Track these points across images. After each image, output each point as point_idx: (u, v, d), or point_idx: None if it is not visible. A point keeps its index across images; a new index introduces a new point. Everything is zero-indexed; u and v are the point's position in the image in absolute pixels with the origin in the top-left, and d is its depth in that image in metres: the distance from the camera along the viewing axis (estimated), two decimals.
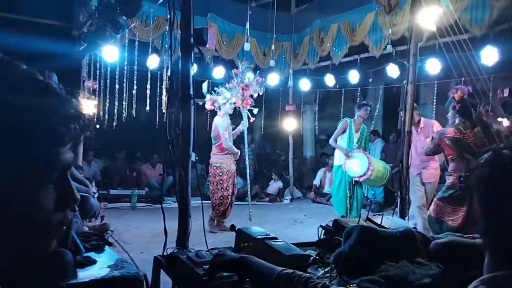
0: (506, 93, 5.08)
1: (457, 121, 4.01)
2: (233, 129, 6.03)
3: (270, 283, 1.02)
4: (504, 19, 5.64)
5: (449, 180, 3.85)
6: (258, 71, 6.23)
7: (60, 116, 0.62)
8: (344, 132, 5.98)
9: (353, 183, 5.91)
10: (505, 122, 5.10)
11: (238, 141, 6.24)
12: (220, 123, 5.72)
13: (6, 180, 0.57)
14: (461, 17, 5.56)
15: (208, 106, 5.82)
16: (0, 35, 5.15)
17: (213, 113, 6.17)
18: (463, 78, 5.92)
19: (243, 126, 5.98)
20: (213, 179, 5.73)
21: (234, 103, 5.83)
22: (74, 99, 0.65)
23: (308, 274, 1.02)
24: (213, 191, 5.73)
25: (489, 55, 5.48)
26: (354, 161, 5.73)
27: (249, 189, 6.28)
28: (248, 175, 6.41)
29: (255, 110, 6.10)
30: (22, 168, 0.58)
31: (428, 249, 1.79)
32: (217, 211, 5.72)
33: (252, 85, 5.86)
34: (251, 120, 6.11)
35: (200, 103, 5.40)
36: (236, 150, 5.83)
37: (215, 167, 5.72)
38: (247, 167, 6.35)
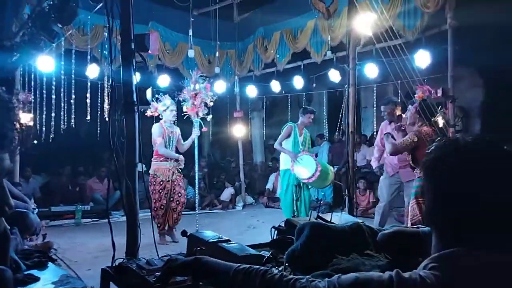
0: (439, 93, 5.43)
1: (418, 121, 4.11)
2: (183, 136, 5.96)
3: (227, 280, 1.00)
4: (434, 24, 6.03)
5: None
6: (207, 78, 6.18)
7: (4, 119, 0.60)
8: (288, 136, 6.07)
9: (301, 186, 6.01)
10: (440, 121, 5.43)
11: (190, 150, 6.14)
12: (155, 129, 5.66)
13: None
14: (394, 23, 5.89)
15: (148, 112, 5.71)
16: None
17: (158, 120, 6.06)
18: (400, 81, 6.28)
19: (194, 134, 5.92)
20: (150, 188, 5.60)
21: (185, 112, 5.76)
22: (15, 106, 0.63)
23: (265, 267, 1.02)
24: (153, 200, 5.57)
25: (422, 58, 5.83)
26: (302, 164, 5.85)
27: (196, 198, 6.19)
28: (197, 184, 6.33)
29: (209, 118, 6.05)
30: None
31: (376, 241, 1.87)
32: (158, 224, 5.56)
33: (201, 92, 5.82)
34: (203, 129, 6.04)
35: (145, 110, 5.29)
36: (176, 155, 5.71)
37: (150, 175, 5.64)
38: (196, 176, 6.26)
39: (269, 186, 9.52)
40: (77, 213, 7.09)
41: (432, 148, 0.92)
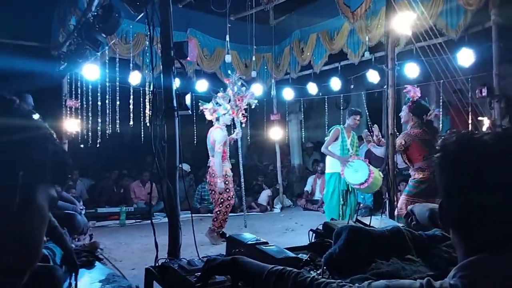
0: (484, 92, 5.22)
1: (411, 120, 4.38)
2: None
3: (261, 281, 1.03)
4: (477, 22, 5.81)
5: (420, 175, 4.12)
6: (245, 85, 6.28)
7: (68, 158, 0.67)
8: (336, 140, 5.99)
9: (349, 190, 5.92)
10: (486, 122, 5.26)
11: (253, 154, 6.30)
12: (220, 136, 5.66)
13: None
14: (436, 22, 5.72)
15: (208, 116, 5.83)
16: None
17: (202, 125, 6.22)
18: (442, 80, 6.09)
19: (237, 135, 5.99)
20: (224, 187, 5.66)
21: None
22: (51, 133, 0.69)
23: (297, 270, 1.04)
24: (220, 200, 5.64)
25: (465, 57, 5.62)
26: (354, 169, 5.73)
27: (243, 198, 6.28)
28: (243, 186, 6.41)
29: (243, 121, 6.15)
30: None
31: (417, 245, 1.83)
32: (220, 222, 5.61)
33: (245, 96, 5.92)
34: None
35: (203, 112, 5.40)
36: (221, 172, 5.66)
37: (223, 176, 5.65)
38: (242, 177, 6.34)
39: (307, 188, 9.47)
40: (122, 215, 7.36)
41: (443, 143, 0.87)
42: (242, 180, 6.38)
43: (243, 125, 6.14)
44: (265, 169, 11.19)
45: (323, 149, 6.12)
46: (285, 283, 0.98)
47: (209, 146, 5.82)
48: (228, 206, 5.68)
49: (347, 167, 5.75)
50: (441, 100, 7.37)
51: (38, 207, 0.62)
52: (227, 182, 5.68)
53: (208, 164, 5.88)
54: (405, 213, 2.21)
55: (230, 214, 6.09)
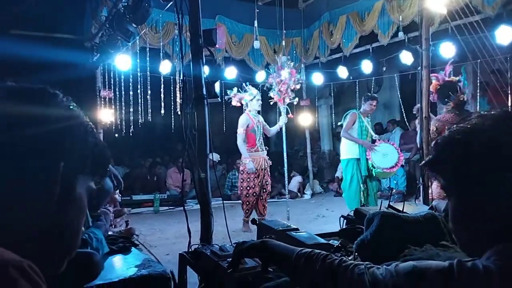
0: None
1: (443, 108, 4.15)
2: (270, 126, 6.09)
3: (291, 263, 1.03)
4: None
5: None
6: (293, 63, 6.19)
7: (107, 150, 0.70)
8: (353, 124, 5.85)
9: (371, 175, 5.79)
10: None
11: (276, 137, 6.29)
12: (242, 120, 5.73)
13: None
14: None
15: (234, 103, 5.85)
16: (20, 52, 5.32)
17: (231, 113, 6.22)
18: (479, 60, 5.82)
19: (282, 121, 5.96)
20: (240, 176, 5.76)
21: (272, 99, 5.83)
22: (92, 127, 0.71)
23: (326, 252, 1.03)
24: (241, 188, 5.74)
25: (504, 35, 5.34)
26: (381, 152, 5.62)
27: (286, 186, 6.28)
28: (286, 172, 6.41)
29: (295, 101, 6.09)
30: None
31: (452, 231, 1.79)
32: (246, 211, 5.70)
33: (286, 79, 5.86)
34: (289, 116, 6.09)
35: (230, 100, 5.49)
36: (245, 153, 5.71)
37: (243, 164, 5.74)
38: (285, 165, 6.32)
39: (338, 174, 9.37)
40: (155, 202, 7.56)
41: (452, 132, 0.84)
42: (285, 167, 6.36)
43: (290, 112, 6.06)
44: (295, 155, 11.15)
45: (343, 134, 5.90)
46: (314, 265, 0.98)
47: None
48: (247, 195, 5.64)
49: (374, 151, 5.62)
50: (478, 81, 7.08)
51: (77, 198, 0.64)
52: (256, 171, 5.64)
53: None
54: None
55: (269, 201, 6.16)
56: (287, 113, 5.96)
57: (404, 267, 0.84)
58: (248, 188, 5.65)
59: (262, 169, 5.69)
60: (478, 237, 0.81)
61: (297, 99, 6.09)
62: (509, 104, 5.34)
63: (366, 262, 0.97)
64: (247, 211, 5.69)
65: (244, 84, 5.95)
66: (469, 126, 0.82)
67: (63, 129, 0.62)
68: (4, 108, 0.59)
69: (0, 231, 0.56)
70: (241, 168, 5.80)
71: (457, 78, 4.08)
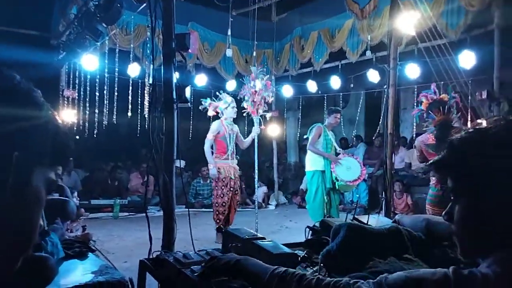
0: (484, 95, 5.21)
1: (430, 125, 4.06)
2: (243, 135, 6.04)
3: (263, 283, 1.00)
4: (480, 24, 5.80)
5: (433, 181, 3.88)
6: (267, 75, 6.17)
7: (70, 140, 0.64)
8: (318, 137, 5.91)
9: (335, 188, 5.84)
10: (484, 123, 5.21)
11: (250, 149, 6.23)
12: (213, 126, 5.64)
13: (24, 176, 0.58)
14: (437, 23, 5.70)
15: (210, 112, 5.76)
16: None
17: (198, 120, 6.14)
18: (443, 82, 6.07)
19: (255, 132, 5.89)
20: (213, 185, 5.68)
21: (245, 109, 5.79)
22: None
23: (300, 271, 1.01)
24: (215, 196, 5.59)
25: (467, 59, 5.60)
26: (345, 166, 5.71)
27: (256, 195, 6.25)
28: (256, 183, 6.37)
29: (268, 115, 6.07)
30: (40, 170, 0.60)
31: (414, 245, 1.81)
32: (217, 220, 5.49)
33: (261, 90, 5.84)
34: (262, 127, 6.05)
35: (206, 109, 5.45)
36: (210, 158, 5.60)
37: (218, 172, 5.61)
38: (256, 175, 6.27)
39: (303, 186, 9.45)
40: (115, 207, 7.33)
41: (452, 141, 0.84)
42: (256, 177, 6.32)
43: (266, 121, 6.04)
44: (261, 166, 11.15)
45: (309, 147, 5.95)
46: (289, 286, 0.95)
47: None
48: (217, 204, 5.52)
49: (338, 164, 5.71)
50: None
51: (34, 190, 0.59)
52: (217, 180, 5.54)
53: None
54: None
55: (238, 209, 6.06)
56: (260, 124, 5.95)
57: (395, 279, 0.83)
58: (217, 196, 5.55)
59: (230, 178, 5.61)
60: (483, 242, 0.80)
61: (270, 114, 6.11)
62: (469, 124, 5.57)
63: (346, 278, 0.95)
64: (218, 220, 5.48)
65: (218, 92, 5.90)
66: (481, 128, 0.82)
67: (20, 116, 0.57)
68: None
69: None
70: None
71: (447, 96, 4.00)
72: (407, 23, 4.33)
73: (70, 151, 0.65)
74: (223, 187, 5.55)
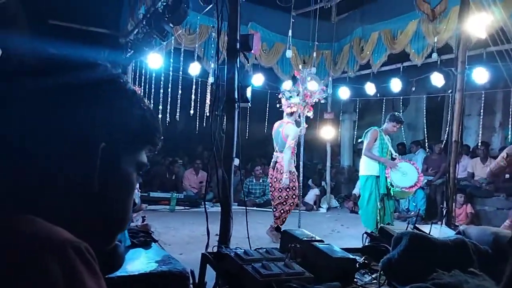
0: None
1: None
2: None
3: None
4: None
5: None
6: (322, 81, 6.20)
7: (157, 120, 0.68)
8: (374, 141, 5.73)
9: (390, 194, 5.65)
10: None
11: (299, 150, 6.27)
12: (294, 131, 5.65)
13: (114, 163, 0.61)
14: (508, 24, 5.35)
15: (287, 110, 5.79)
16: (54, 42, 5.44)
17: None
18: (511, 89, 5.69)
19: (302, 132, 5.93)
20: (290, 193, 5.63)
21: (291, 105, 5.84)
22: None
23: None
24: (286, 197, 5.60)
25: None
26: (401, 171, 5.53)
27: (300, 197, 6.26)
28: (301, 183, 6.39)
29: (311, 115, 6.10)
30: (131, 153, 0.64)
31: (481, 259, 1.74)
32: (283, 220, 5.56)
33: (315, 93, 5.86)
34: (306, 126, 6.10)
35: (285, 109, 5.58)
36: (288, 166, 5.65)
37: (290, 172, 5.62)
38: (301, 175, 6.27)
39: (355, 191, 9.25)
40: (172, 200, 7.60)
41: None
42: (301, 178, 6.32)
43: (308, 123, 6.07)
44: (313, 168, 11.07)
45: (365, 153, 5.74)
46: None
47: (278, 141, 5.73)
48: (292, 204, 5.61)
49: (394, 170, 5.53)
50: (510, 110, 6.92)
51: (124, 174, 0.63)
52: (294, 180, 5.62)
53: (274, 160, 5.77)
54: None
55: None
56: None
57: None
58: (294, 197, 5.65)
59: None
60: None
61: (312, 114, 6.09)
62: None
63: None
64: (284, 219, 5.59)
65: (286, 92, 5.90)
66: None
67: (105, 98, 0.60)
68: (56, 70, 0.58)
69: (47, 210, 0.56)
70: (291, 177, 5.65)
71: None
72: (477, 24, 4.11)
73: (157, 133, 0.68)
74: (297, 186, 5.67)
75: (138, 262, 1.97)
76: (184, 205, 7.87)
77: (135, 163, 0.65)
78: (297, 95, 5.82)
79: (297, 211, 6.24)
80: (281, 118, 5.94)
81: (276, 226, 5.51)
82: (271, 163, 5.85)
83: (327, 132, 9.03)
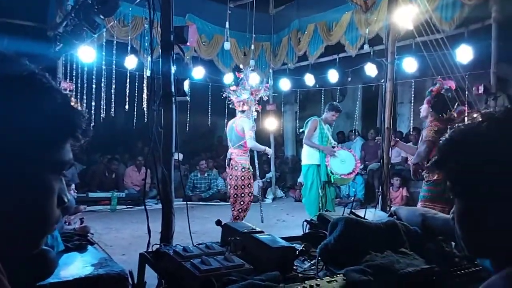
0: (481, 90, 5.24)
1: (430, 116, 3.95)
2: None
3: None
4: (477, 18, 5.80)
5: (434, 176, 3.72)
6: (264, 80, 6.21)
7: (76, 111, 0.63)
8: (314, 130, 5.91)
9: (331, 181, 5.85)
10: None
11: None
12: (249, 123, 5.61)
13: (19, 164, 0.56)
14: (432, 15, 5.70)
15: (239, 107, 5.75)
16: None
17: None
18: (440, 76, 6.06)
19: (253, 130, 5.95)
20: (241, 182, 5.54)
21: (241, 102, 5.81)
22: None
23: None
24: (242, 195, 5.55)
25: (464, 54, 5.61)
26: (340, 159, 5.73)
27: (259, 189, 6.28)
28: (258, 177, 6.41)
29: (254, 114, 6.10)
30: (38, 153, 0.58)
31: (411, 239, 1.84)
32: (242, 217, 5.57)
33: (260, 90, 5.86)
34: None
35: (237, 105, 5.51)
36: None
37: (243, 169, 5.54)
38: (257, 169, 6.30)
39: (300, 179, 9.48)
40: (113, 200, 7.34)
41: (448, 136, 0.80)
42: (257, 172, 6.36)
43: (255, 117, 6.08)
44: (258, 160, 11.15)
45: (305, 141, 5.93)
46: None
47: (232, 137, 5.68)
48: (249, 202, 5.59)
49: (333, 157, 5.72)
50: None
51: (37, 177, 0.59)
52: (249, 177, 5.59)
53: (229, 157, 5.71)
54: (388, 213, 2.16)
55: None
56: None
57: None
58: (250, 195, 5.67)
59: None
60: (482, 243, 0.77)
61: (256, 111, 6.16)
62: (465, 119, 5.59)
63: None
64: (244, 216, 5.64)
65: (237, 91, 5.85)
66: (468, 125, 0.79)
67: (12, 94, 0.56)
68: None
69: None
70: (240, 174, 5.59)
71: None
72: (405, 16, 4.32)
73: (77, 125, 0.63)
74: (252, 184, 5.65)
75: (72, 267, 1.88)
76: (126, 204, 7.62)
77: (53, 162, 0.61)
78: (244, 89, 5.83)
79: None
80: (224, 111, 5.94)
81: (216, 220, 5.54)
82: (226, 160, 5.81)
83: (270, 124, 9.14)
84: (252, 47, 8.17)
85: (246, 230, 1.76)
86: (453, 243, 1.80)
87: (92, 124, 7.14)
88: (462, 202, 0.80)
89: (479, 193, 0.75)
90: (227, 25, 6.78)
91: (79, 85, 6.91)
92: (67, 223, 4.32)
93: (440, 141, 0.83)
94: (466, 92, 5.68)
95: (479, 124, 0.76)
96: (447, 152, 0.81)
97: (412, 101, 7.75)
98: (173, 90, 2.82)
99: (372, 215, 2.42)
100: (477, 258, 0.77)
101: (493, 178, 0.72)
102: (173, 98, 2.79)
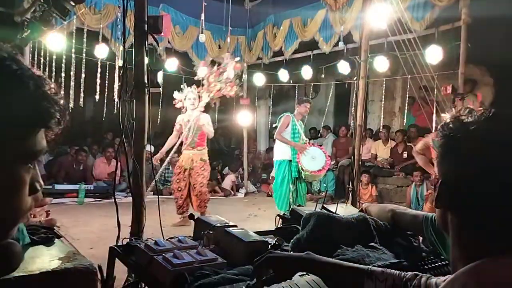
0: (449, 90, 5.40)
1: None
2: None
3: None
4: (448, 20, 5.97)
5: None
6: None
7: (50, 99, 0.59)
8: (286, 127, 5.95)
9: (301, 177, 5.91)
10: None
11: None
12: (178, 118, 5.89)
13: None
14: (403, 15, 5.82)
15: (177, 104, 5.85)
16: None
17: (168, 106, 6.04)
18: (410, 76, 6.23)
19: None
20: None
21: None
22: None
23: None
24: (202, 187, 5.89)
25: (434, 54, 5.76)
26: (310, 155, 5.78)
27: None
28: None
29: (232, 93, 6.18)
30: (8, 142, 0.55)
31: (381, 234, 1.88)
32: (177, 206, 5.89)
33: (232, 83, 5.91)
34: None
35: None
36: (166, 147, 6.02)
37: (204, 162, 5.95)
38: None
39: (273, 174, 9.52)
40: (80, 193, 7.14)
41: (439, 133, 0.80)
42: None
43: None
44: (231, 154, 11.15)
45: (276, 136, 5.99)
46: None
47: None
48: (175, 190, 5.88)
49: (304, 154, 5.78)
50: (407, 96, 7.58)
51: (7, 171, 0.56)
52: (179, 167, 5.85)
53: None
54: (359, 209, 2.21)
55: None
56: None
57: None
58: (174, 182, 5.96)
59: (187, 168, 5.82)
60: (463, 248, 0.76)
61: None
62: (434, 118, 5.77)
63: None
64: (178, 207, 5.92)
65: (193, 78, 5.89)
66: (456, 124, 0.78)
67: None
68: None
69: None
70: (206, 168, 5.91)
71: None
72: (378, 16, 4.40)
73: (47, 112, 0.59)
74: (179, 174, 5.85)
75: (39, 260, 1.82)
76: (95, 197, 7.43)
77: (24, 152, 0.57)
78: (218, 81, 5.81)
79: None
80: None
81: (180, 213, 5.79)
82: None
83: (243, 118, 9.12)
84: (228, 40, 8.10)
85: (219, 224, 1.75)
86: (421, 238, 1.85)
87: (67, 112, 6.93)
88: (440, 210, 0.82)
89: (464, 196, 0.75)
90: (202, 17, 6.69)
91: (46, 73, 6.66)
92: (32, 215, 4.18)
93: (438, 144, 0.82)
94: (435, 91, 5.86)
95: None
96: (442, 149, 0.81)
97: (383, 99, 7.91)
98: (146, 81, 2.76)
99: (344, 210, 2.46)
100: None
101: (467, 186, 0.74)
102: (146, 89, 2.73)
